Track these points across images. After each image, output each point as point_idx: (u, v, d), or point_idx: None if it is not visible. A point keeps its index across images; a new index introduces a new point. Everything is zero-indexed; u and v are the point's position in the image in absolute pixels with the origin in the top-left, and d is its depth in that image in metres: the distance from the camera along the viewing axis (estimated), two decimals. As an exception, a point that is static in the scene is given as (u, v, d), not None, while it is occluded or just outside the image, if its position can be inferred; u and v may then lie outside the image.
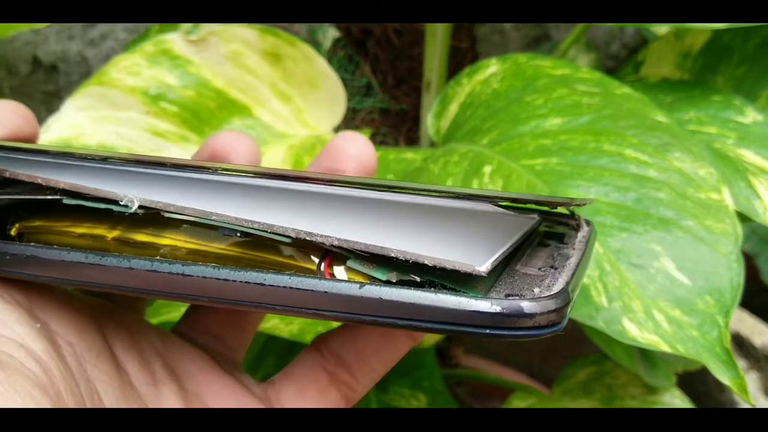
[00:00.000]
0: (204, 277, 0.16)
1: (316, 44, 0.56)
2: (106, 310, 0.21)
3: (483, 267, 0.15)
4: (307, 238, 0.16)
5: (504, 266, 0.17)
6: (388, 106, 0.52)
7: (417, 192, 0.18)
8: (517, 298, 0.15)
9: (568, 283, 0.16)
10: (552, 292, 0.15)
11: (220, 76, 0.44)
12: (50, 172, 0.18)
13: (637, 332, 0.30)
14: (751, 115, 0.42)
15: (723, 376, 0.29)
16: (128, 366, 0.20)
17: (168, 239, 0.18)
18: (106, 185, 0.17)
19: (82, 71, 0.66)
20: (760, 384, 0.70)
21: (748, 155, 0.40)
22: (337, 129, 0.47)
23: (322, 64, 0.45)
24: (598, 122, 0.36)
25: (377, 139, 0.53)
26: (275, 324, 0.39)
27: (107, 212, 0.18)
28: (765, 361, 0.73)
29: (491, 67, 0.43)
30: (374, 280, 0.16)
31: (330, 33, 0.56)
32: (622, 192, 0.34)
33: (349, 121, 0.53)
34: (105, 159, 0.18)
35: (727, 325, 0.30)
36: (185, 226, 0.18)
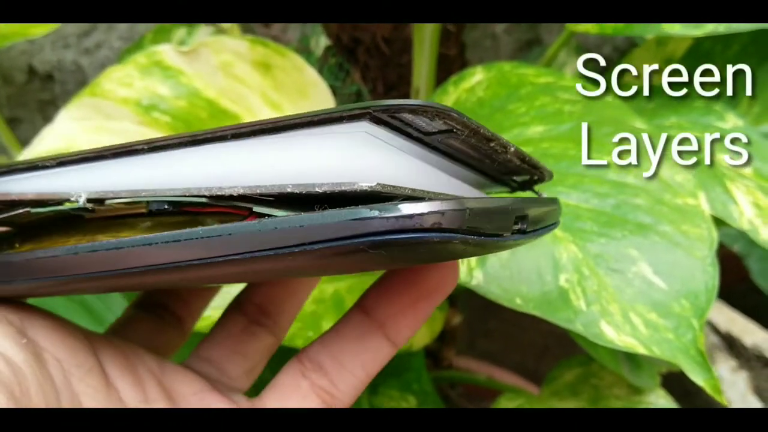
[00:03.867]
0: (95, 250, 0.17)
1: (308, 52, 0.57)
2: (104, 338, 0.22)
3: (368, 184, 0.16)
4: (219, 194, 0.17)
5: None
6: (378, 113, 0.53)
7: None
8: (395, 203, 0.15)
9: (464, 200, 0.16)
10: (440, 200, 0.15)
11: (211, 86, 0.44)
12: (18, 185, 0.20)
13: (614, 335, 0.31)
14: (731, 121, 0.43)
15: (697, 378, 0.30)
16: (119, 383, 0.21)
17: (126, 235, 0.19)
18: (61, 187, 0.19)
19: (78, 80, 0.67)
20: (750, 383, 0.71)
21: (727, 161, 0.41)
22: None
23: (311, 73, 0.46)
24: (579, 129, 0.37)
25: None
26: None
27: (78, 223, 0.19)
28: (756, 360, 0.74)
29: (476, 76, 0.44)
30: None
31: (321, 41, 0.57)
32: (601, 198, 0.35)
33: (340, 128, 0.54)
34: (60, 163, 0.19)
35: (702, 328, 0.31)
36: (147, 224, 0.19)
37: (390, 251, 0.15)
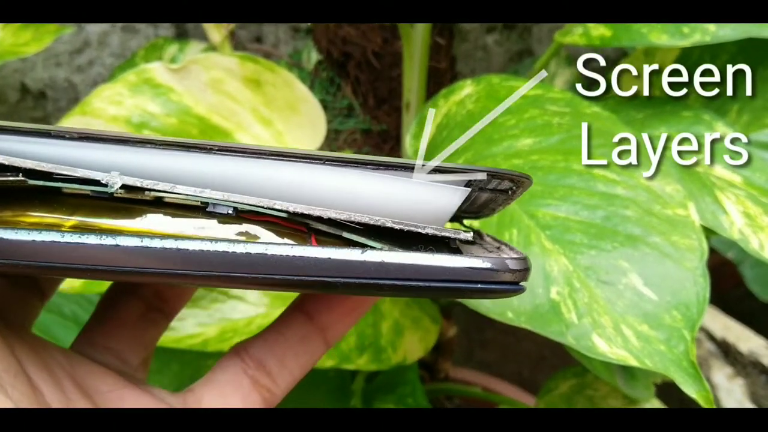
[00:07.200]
0: (203, 250, 0.15)
1: (299, 67, 0.57)
2: (14, 333, 0.21)
3: (470, 234, 0.17)
4: (305, 212, 0.16)
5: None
6: (370, 127, 0.53)
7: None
8: (501, 256, 0.17)
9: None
10: (521, 255, 0.17)
11: (201, 102, 0.45)
12: (17, 150, 0.16)
13: (606, 348, 0.31)
14: (720, 130, 0.43)
15: (689, 389, 0.30)
16: (42, 386, 0.20)
17: (133, 228, 0.17)
18: (83, 165, 0.16)
19: (70, 97, 0.67)
20: (746, 390, 0.71)
21: (717, 170, 0.41)
22: (319, 150, 0.48)
23: (301, 88, 0.46)
24: (568, 142, 0.37)
25: (360, 159, 0.54)
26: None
27: (61, 198, 0.17)
28: (752, 367, 0.73)
29: (466, 89, 0.44)
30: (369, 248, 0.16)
31: (313, 56, 0.57)
32: (591, 210, 0.35)
33: (332, 142, 0.54)
34: (82, 138, 0.16)
35: (693, 339, 0.31)
36: (148, 216, 0.17)
37: (482, 296, 0.16)
